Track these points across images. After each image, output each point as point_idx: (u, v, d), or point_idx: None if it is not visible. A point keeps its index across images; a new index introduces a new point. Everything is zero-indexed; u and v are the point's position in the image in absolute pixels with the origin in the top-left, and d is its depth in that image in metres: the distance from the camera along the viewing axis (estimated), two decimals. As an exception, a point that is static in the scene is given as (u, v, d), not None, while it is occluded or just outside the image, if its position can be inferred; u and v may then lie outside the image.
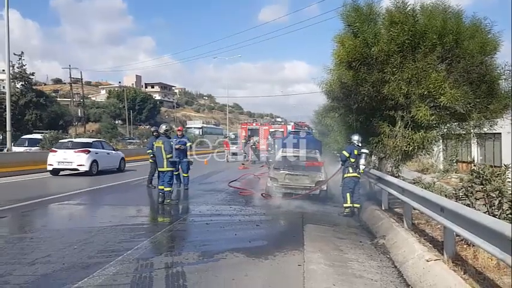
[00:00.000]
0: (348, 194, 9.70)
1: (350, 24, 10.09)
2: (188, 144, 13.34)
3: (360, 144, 10.03)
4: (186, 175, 13.30)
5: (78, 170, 16.96)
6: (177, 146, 11.98)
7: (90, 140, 19.92)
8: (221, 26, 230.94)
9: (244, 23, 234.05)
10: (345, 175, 9.90)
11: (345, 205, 9.74)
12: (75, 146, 17.63)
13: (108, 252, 5.95)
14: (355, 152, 9.83)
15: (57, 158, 16.97)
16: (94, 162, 17.26)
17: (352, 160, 9.81)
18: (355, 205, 9.77)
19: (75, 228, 7.89)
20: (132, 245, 6.36)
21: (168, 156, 10.45)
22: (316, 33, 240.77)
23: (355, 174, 9.81)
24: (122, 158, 19.90)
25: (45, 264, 5.34)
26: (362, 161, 9.91)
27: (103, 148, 18.96)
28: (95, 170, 17.25)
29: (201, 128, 68.91)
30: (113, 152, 19.82)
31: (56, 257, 5.66)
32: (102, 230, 7.45)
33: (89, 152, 17.31)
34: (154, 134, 13.66)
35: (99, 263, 5.39)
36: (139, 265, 5.39)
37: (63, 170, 17.25)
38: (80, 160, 16.85)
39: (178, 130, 14.14)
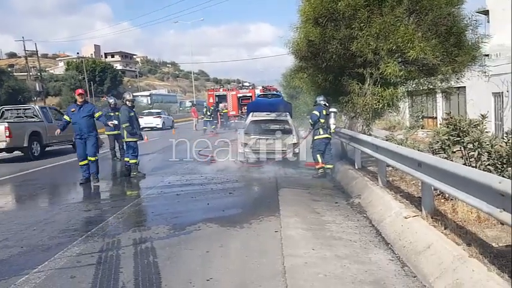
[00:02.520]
0: (318, 155, 9.58)
1: (315, -22, 9.61)
2: (97, 114, 9.47)
3: (327, 104, 9.87)
4: (93, 159, 9.17)
5: (156, 127, 31.15)
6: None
7: (159, 110, 35.99)
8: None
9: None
10: (315, 137, 9.72)
11: (317, 167, 9.61)
12: (152, 114, 33.70)
13: (71, 232, 5.54)
14: (324, 112, 9.66)
15: (144, 121, 28.53)
16: (163, 122, 32.51)
17: (322, 121, 9.63)
18: (328, 166, 9.66)
19: (34, 207, 7.40)
20: (97, 221, 5.98)
21: (124, 125, 9.84)
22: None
23: (326, 135, 9.65)
24: (172, 120, 35.22)
25: (1, 249, 4.90)
26: (332, 121, 9.82)
27: (166, 115, 35.35)
28: (164, 127, 31.78)
29: (149, 95, 61.52)
30: (169, 117, 35.52)
31: (13, 240, 5.22)
32: (64, 208, 6.99)
33: (161, 117, 32.97)
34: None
35: (61, 244, 5.01)
36: (105, 243, 5.03)
37: (145, 128, 27.14)
38: (156, 122, 32.09)
39: (79, 95, 9.54)
